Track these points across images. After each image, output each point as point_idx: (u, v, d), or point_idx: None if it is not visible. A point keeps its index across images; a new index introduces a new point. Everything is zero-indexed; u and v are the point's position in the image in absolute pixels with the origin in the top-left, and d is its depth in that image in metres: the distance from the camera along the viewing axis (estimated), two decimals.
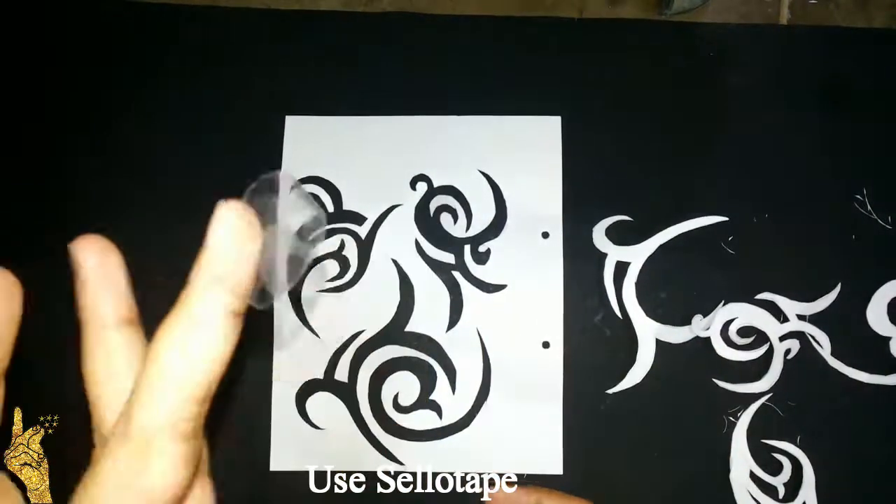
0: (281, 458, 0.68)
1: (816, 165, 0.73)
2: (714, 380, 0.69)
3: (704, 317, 0.70)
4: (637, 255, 0.71)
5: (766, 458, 0.68)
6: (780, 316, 0.70)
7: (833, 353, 0.69)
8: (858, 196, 0.72)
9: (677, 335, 0.70)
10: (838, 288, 0.70)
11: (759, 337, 0.70)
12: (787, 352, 0.69)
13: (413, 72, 0.76)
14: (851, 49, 0.75)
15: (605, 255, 0.71)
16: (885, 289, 0.70)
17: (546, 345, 0.70)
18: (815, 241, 0.71)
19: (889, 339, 0.69)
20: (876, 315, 0.70)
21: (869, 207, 0.71)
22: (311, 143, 0.74)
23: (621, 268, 0.71)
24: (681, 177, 0.73)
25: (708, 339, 0.69)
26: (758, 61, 0.75)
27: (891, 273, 0.70)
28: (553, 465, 0.68)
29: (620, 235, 0.71)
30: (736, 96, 0.74)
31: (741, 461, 0.67)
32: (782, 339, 0.70)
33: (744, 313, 0.70)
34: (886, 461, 0.68)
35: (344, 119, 0.74)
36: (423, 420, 0.69)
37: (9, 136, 0.74)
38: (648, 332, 0.70)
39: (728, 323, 0.70)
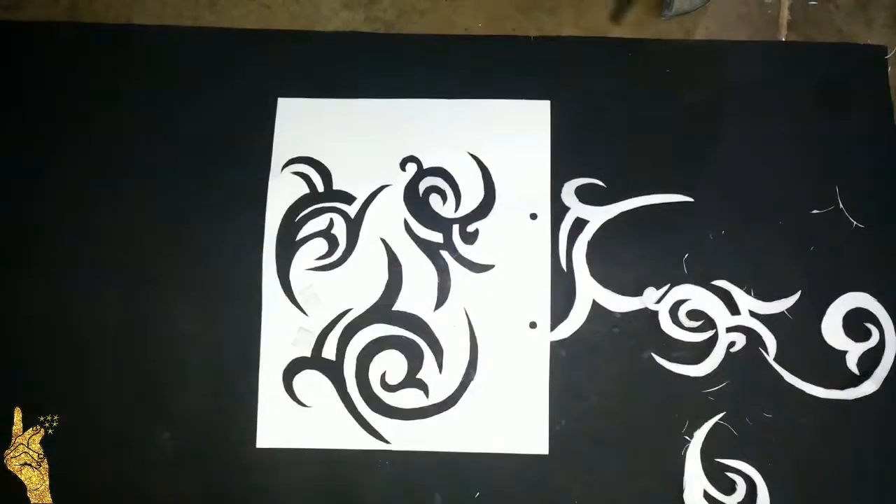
0: (267, 436, 0.68)
1: (796, 170, 0.74)
2: (653, 354, 0.70)
3: (657, 290, 0.71)
4: (597, 215, 0.72)
5: (720, 478, 0.68)
6: (733, 307, 0.71)
7: (776, 358, 0.70)
8: (833, 205, 0.73)
9: (625, 304, 0.70)
10: (797, 295, 0.71)
11: (707, 323, 0.71)
12: (732, 344, 0.70)
13: (406, 57, 0.77)
14: (824, 59, 0.77)
15: (567, 209, 0.72)
16: (840, 301, 0.70)
17: (533, 325, 0.71)
18: (786, 243, 0.72)
19: (846, 352, 0.70)
20: (831, 328, 0.70)
21: (848, 216, 0.72)
22: (302, 124, 0.75)
23: (579, 224, 0.72)
24: (661, 167, 0.74)
25: (655, 314, 0.70)
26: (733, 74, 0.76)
27: (849, 284, 0.71)
28: (539, 445, 0.69)
29: (588, 195, 0.73)
30: (714, 103, 0.76)
31: (694, 481, 0.68)
32: (729, 330, 0.70)
33: (697, 296, 0.71)
34: (840, 476, 0.69)
35: (335, 101, 0.75)
36: (410, 399, 0.70)
37: (14, 128, 0.75)
38: (588, 291, 0.71)
39: (679, 303, 0.71)
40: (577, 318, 0.70)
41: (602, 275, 0.70)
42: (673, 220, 0.73)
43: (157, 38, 0.77)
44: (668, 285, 0.71)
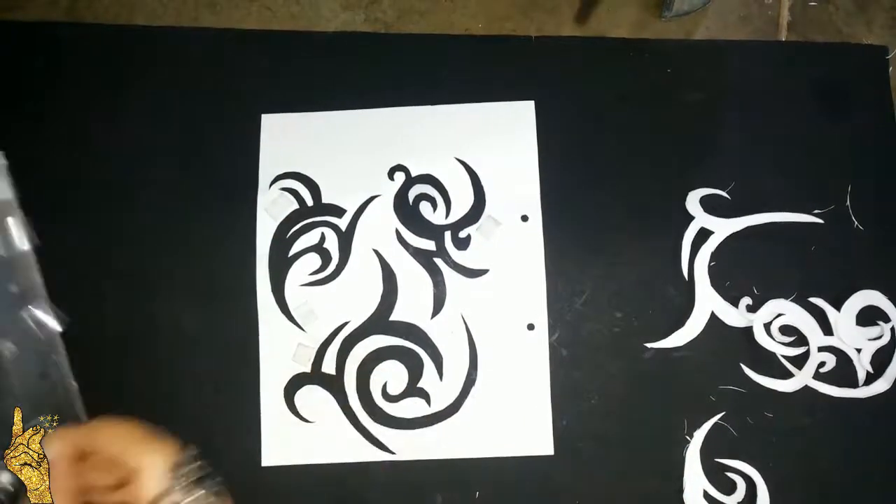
0: (272, 454, 0.69)
1: (796, 170, 0.73)
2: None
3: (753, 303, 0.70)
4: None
5: (720, 478, 0.68)
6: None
7: None
8: (834, 205, 0.72)
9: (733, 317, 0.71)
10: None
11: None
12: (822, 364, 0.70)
13: (388, 66, 0.76)
14: (824, 60, 0.75)
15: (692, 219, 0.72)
16: (851, 300, 0.70)
17: (531, 327, 0.71)
18: (787, 243, 0.72)
19: (859, 350, 0.69)
20: (842, 326, 0.70)
21: (850, 216, 0.72)
22: (287, 139, 0.74)
23: (703, 234, 0.72)
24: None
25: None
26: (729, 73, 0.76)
27: (851, 285, 0.71)
28: (544, 446, 0.69)
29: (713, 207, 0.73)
30: (714, 103, 0.75)
31: (694, 481, 0.68)
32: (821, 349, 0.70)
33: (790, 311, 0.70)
34: (843, 477, 0.68)
35: (319, 114, 0.75)
36: (412, 408, 0.70)
37: (11, 128, 0.74)
38: (706, 298, 0.70)
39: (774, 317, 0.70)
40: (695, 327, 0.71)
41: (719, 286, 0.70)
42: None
43: (157, 38, 0.77)
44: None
